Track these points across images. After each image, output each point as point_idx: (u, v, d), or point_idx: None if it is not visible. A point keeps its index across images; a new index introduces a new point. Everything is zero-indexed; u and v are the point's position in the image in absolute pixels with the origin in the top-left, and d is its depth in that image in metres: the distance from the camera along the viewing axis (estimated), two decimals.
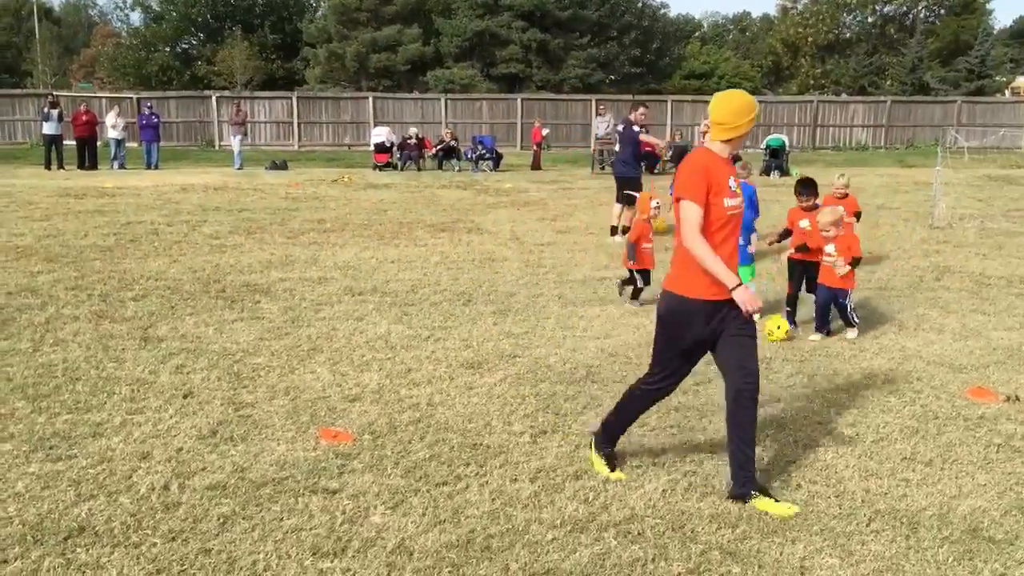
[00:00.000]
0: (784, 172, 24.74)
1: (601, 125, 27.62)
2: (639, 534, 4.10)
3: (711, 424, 5.44)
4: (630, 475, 4.70)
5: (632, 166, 13.31)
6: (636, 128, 13.14)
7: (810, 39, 55.81)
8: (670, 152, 24.43)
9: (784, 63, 60.58)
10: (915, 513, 4.34)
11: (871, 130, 38.51)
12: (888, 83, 52.26)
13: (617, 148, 14.00)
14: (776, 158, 25.25)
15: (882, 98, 41.32)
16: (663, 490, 4.53)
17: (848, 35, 57.75)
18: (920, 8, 56.61)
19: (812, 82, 55.38)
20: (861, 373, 6.55)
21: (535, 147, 28.67)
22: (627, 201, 12.75)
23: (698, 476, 4.70)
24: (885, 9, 56.94)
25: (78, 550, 3.87)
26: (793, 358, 6.90)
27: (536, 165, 27.82)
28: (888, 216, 15.71)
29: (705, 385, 6.16)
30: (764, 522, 4.21)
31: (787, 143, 26.50)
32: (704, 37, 76.55)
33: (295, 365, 6.57)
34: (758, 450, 5.01)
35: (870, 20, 57.32)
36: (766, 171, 24.56)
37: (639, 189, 12.75)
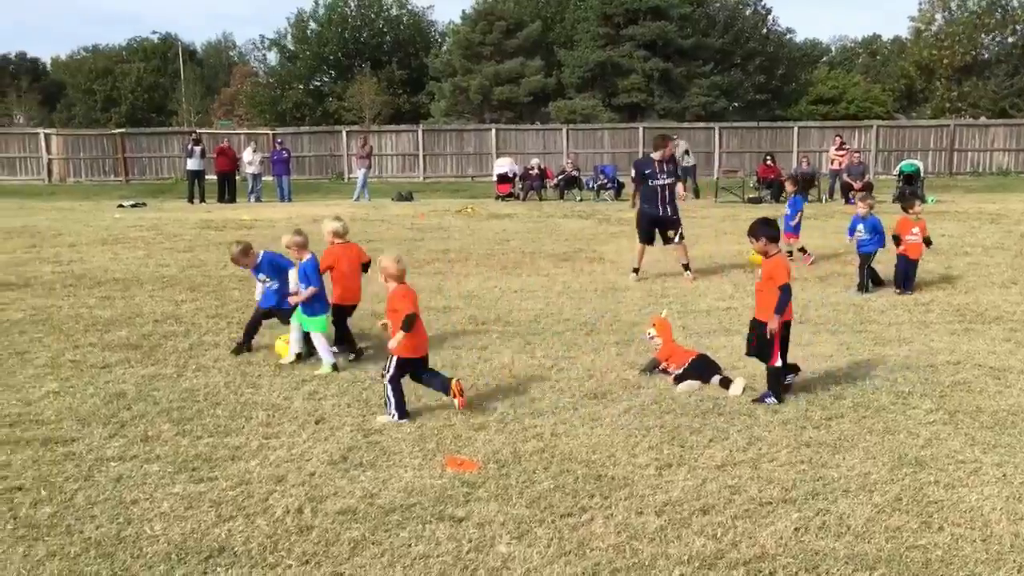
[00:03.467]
0: (920, 199, 23.77)
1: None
2: (770, 574, 3.98)
3: (844, 460, 5.25)
4: (759, 512, 4.58)
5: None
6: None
7: (945, 61, 53.66)
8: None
9: (918, 86, 58.45)
10: None
11: (1013, 154, 36.71)
12: None
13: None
14: (910, 184, 24.30)
15: None
16: (795, 528, 4.39)
17: (987, 56, 55.28)
18: None
19: (948, 105, 53.22)
20: (1008, 410, 6.20)
21: None
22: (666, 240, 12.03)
23: (831, 515, 4.54)
24: None
25: (218, 569, 4.03)
26: (932, 393, 6.59)
27: None
28: None
29: (838, 420, 5.97)
30: (904, 565, 4.02)
31: (922, 169, 25.47)
32: (832, 61, 74.65)
33: (421, 393, 6.68)
34: (895, 488, 4.81)
35: (1010, 40, 54.72)
36: (900, 198, 23.65)
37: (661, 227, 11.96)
